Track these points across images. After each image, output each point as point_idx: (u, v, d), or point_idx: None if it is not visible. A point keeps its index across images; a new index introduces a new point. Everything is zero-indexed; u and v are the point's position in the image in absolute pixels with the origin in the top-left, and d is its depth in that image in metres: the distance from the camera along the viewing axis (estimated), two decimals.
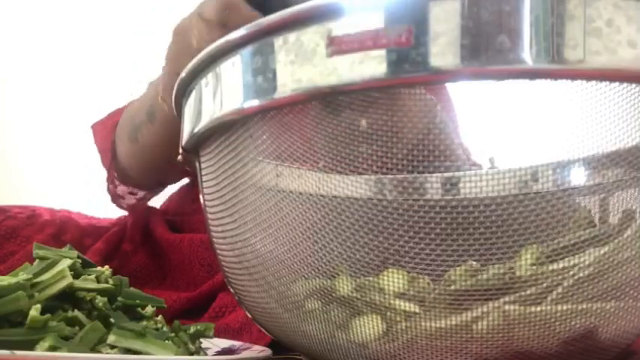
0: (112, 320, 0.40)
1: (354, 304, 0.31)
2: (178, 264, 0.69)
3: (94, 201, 0.93)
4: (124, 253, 0.70)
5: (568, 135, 0.32)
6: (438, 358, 0.30)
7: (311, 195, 0.34)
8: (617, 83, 0.29)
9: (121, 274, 0.45)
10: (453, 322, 0.29)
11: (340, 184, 0.34)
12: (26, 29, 2.03)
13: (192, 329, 0.44)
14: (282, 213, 0.33)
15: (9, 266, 0.61)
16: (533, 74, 0.25)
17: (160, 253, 0.71)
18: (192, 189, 0.77)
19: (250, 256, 0.33)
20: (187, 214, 0.75)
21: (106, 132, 0.72)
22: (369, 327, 0.31)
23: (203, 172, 0.36)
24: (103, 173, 0.74)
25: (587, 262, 0.29)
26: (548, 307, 0.29)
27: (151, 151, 0.66)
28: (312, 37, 0.27)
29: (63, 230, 0.69)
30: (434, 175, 0.38)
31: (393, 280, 0.32)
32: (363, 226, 0.33)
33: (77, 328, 0.38)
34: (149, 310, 0.43)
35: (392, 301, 0.31)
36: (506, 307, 0.29)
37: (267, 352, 0.43)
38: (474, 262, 0.31)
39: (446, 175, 0.39)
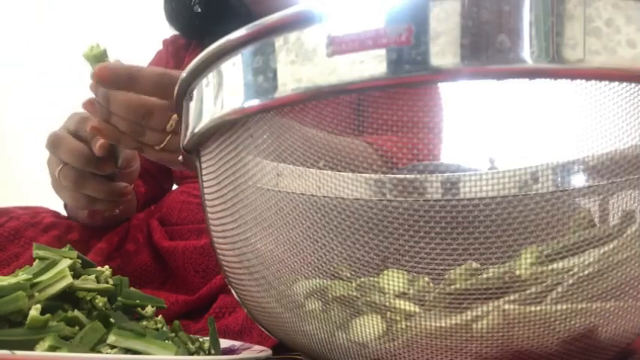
0: (112, 320, 0.40)
1: (354, 303, 0.31)
2: (175, 270, 0.69)
3: None
4: (126, 253, 0.69)
5: (568, 135, 0.32)
6: (438, 358, 0.30)
7: (311, 195, 0.34)
8: (616, 83, 0.29)
9: (123, 274, 0.45)
10: (453, 322, 0.29)
11: (340, 184, 0.34)
12: (27, 30, 2.03)
13: None
14: (282, 213, 0.33)
15: (13, 270, 0.60)
16: (533, 74, 0.25)
17: (160, 256, 0.71)
18: (179, 198, 0.77)
19: (251, 255, 0.33)
20: (176, 224, 0.75)
21: None
22: (369, 327, 0.31)
23: (204, 172, 0.36)
24: None
25: (587, 262, 0.29)
26: (548, 307, 0.29)
27: None
28: (312, 36, 0.27)
29: (67, 231, 0.68)
30: (434, 175, 0.38)
31: (393, 280, 0.32)
32: (363, 225, 0.33)
33: (77, 328, 0.38)
34: (149, 310, 0.43)
35: (392, 301, 0.31)
36: (506, 306, 0.29)
37: (267, 352, 0.43)
38: (474, 262, 0.32)
39: (446, 175, 0.39)
